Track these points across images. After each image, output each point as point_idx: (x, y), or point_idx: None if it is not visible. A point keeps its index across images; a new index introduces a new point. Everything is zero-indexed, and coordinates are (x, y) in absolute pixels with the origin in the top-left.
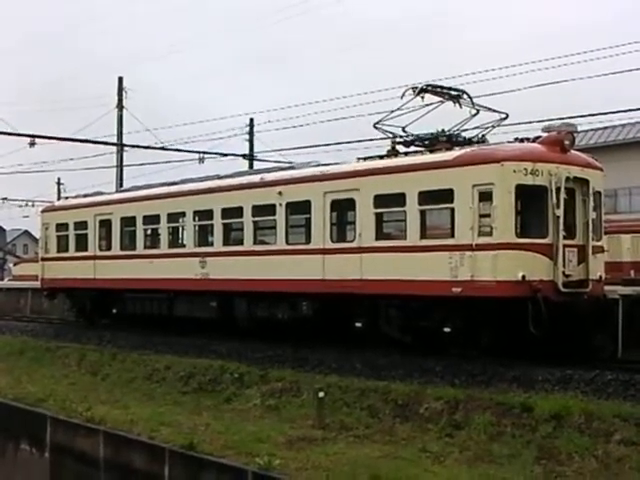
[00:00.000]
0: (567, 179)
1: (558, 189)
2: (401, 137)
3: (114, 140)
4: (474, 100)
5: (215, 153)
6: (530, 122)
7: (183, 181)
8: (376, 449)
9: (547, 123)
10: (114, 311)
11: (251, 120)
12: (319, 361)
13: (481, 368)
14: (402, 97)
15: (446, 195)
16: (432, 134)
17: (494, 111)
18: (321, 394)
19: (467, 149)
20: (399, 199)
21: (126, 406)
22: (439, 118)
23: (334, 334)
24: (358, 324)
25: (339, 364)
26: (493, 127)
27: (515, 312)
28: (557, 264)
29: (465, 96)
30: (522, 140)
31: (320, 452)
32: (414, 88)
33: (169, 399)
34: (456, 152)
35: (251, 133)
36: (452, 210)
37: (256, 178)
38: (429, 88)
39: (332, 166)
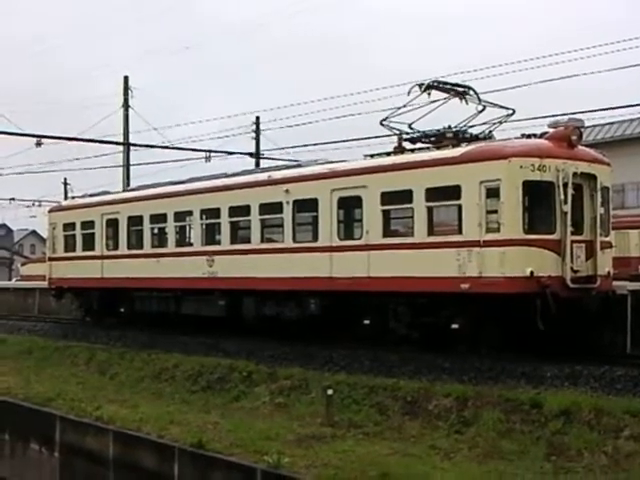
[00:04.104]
0: (574, 175)
1: (565, 185)
2: (407, 134)
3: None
4: (480, 96)
5: (222, 152)
6: (536, 118)
7: (190, 180)
8: (385, 446)
9: (554, 119)
10: (122, 310)
11: (257, 118)
12: (327, 358)
13: (489, 364)
14: (408, 94)
15: (453, 191)
16: (438, 131)
17: (501, 107)
18: (330, 392)
19: (474, 145)
20: (406, 196)
21: (135, 405)
22: (445, 114)
23: (342, 332)
24: (366, 321)
25: (347, 362)
26: (500, 123)
27: (523, 308)
28: (565, 260)
29: (471, 92)
30: (529, 136)
31: (329, 450)
32: (420, 85)
33: (178, 398)
34: (463, 148)
35: (257, 131)
36: (459, 207)
37: (263, 176)
38: (435, 84)
39: (339, 163)
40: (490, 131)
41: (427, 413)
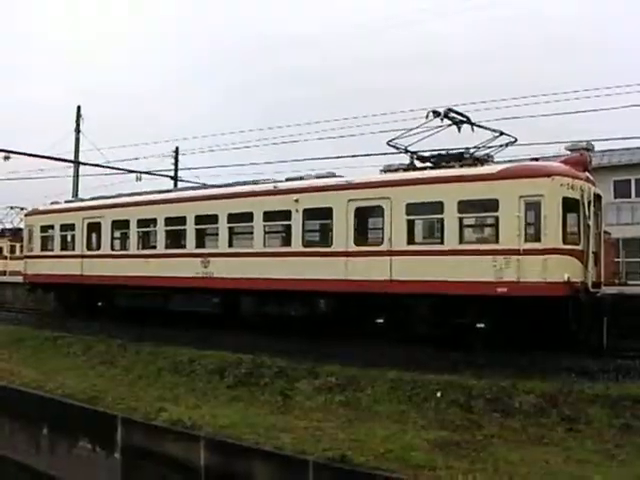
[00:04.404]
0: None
1: (589, 203)
2: (414, 153)
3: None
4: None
5: (147, 172)
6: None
7: (180, 189)
8: (547, 452)
9: (569, 144)
10: (99, 304)
11: (177, 148)
12: (349, 355)
13: (528, 360)
14: (426, 117)
15: (490, 204)
16: (446, 152)
17: (502, 134)
18: (439, 394)
19: (510, 165)
20: (436, 207)
21: (195, 405)
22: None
23: (347, 329)
24: (379, 320)
25: (374, 358)
26: (505, 147)
27: (558, 310)
28: (587, 268)
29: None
30: (536, 159)
31: (503, 459)
32: (435, 112)
33: (220, 394)
34: (498, 166)
35: (176, 158)
36: (496, 218)
37: (268, 187)
38: (450, 113)
39: (357, 177)
40: (488, 154)
41: (517, 411)
